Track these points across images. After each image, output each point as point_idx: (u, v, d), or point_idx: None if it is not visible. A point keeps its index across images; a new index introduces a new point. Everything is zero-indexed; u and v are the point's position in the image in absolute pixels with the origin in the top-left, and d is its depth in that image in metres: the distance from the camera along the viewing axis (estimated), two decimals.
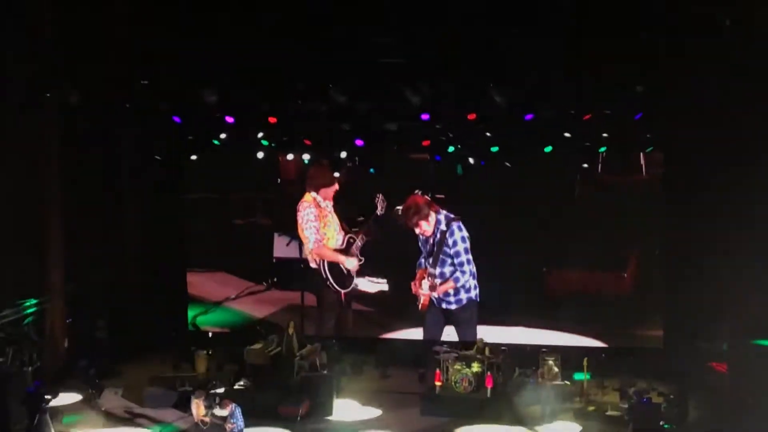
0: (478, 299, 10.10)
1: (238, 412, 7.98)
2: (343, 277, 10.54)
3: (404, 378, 10.26)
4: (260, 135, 11.12)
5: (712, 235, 9.81)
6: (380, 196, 10.48)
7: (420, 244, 10.15)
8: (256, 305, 12.01)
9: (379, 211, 10.47)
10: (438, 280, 9.89)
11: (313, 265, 10.51)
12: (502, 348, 9.54)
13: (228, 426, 7.96)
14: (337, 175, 10.71)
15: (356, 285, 10.73)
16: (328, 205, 10.59)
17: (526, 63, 9.97)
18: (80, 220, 10.79)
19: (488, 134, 10.52)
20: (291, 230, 11.01)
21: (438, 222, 9.91)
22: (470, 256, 9.92)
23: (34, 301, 10.03)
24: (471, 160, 10.70)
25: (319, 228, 10.40)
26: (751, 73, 9.18)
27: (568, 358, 9.64)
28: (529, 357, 9.63)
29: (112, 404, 9.54)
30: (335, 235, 10.57)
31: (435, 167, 10.97)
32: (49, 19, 10.28)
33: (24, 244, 10.27)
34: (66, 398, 9.51)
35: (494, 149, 10.60)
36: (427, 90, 10.14)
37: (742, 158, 9.42)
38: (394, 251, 10.93)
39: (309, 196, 10.53)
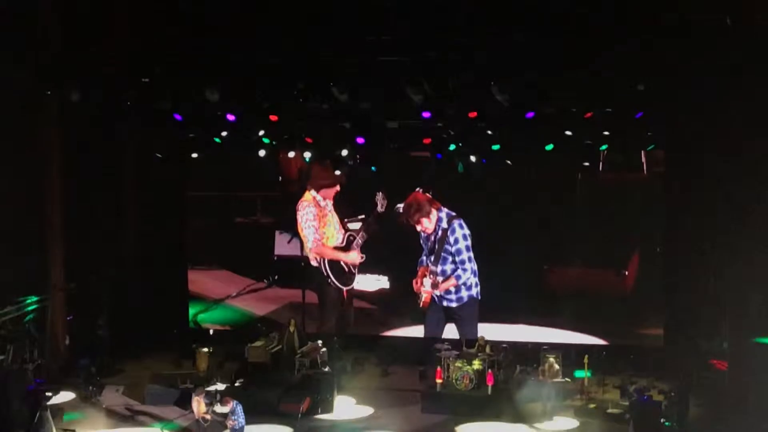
0: (479, 297, 10.12)
1: (240, 409, 7.99)
2: (344, 275, 10.55)
3: (405, 375, 10.27)
4: (261, 133, 11.11)
5: (712, 233, 9.82)
6: (380, 193, 10.48)
7: (421, 241, 10.16)
8: (257, 303, 12.01)
9: (379, 209, 10.47)
10: (440, 278, 9.91)
11: (313, 263, 10.52)
12: (503, 346, 9.56)
13: (229, 423, 7.96)
14: (338, 173, 10.72)
15: (357, 283, 10.74)
16: (328, 204, 10.60)
17: (527, 61, 9.97)
18: (81, 218, 10.80)
19: (489, 132, 10.52)
20: (292, 228, 11.02)
21: (439, 219, 9.92)
22: (471, 254, 9.94)
23: (35, 299, 10.02)
24: (472, 158, 10.69)
25: (318, 227, 10.40)
26: (751, 71, 9.18)
27: (569, 355, 9.66)
28: (530, 354, 9.64)
29: (113, 402, 9.55)
30: (335, 234, 10.57)
31: (436, 165, 10.96)
32: (49, 15, 10.28)
33: (25, 242, 10.27)
34: (67, 396, 9.52)
35: (495, 147, 10.59)
36: (429, 88, 10.13)
37: (742, 157, 9.41)
38: (394, 249, 10.93)
39: (309, 195, 10.53)
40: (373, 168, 11.20)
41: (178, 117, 10.93)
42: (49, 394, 8.46)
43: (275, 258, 11.81)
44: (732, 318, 9.37)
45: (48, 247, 10.41)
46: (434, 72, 9.98)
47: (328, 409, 9.19)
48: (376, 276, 11.38)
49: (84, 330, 10.77)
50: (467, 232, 9.94)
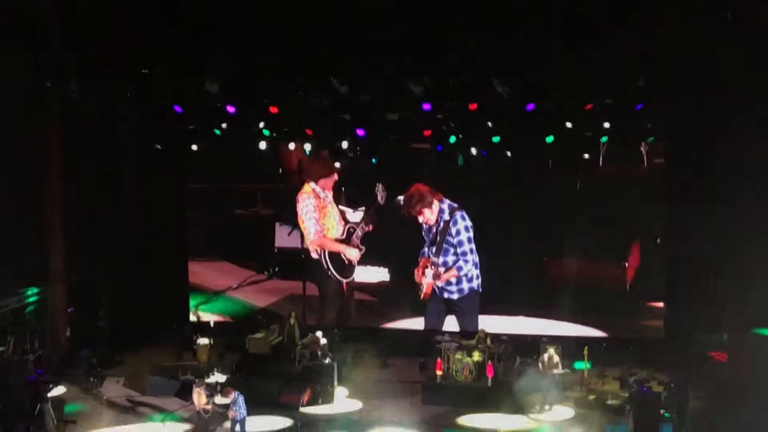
0: (480, 289, 10.13)
1: (241, 399, 7.99)
2: (344, 267, 10.56)
3: (405, 367, 10.28)
4: (261, 125, 11.11)
5: (712, 224, 9.82)
6: (380, 185, 10.49)
7: (423, 233, 10.17)
8: (257, 294, 12.02)
9: (379, 201, 10.48)
10: (441, 269, 9.93)
11: (314, 255, 10.53)
12: (503, 338, 9.56)
13: (230, 413, 7.98)
14: (337, 165, 10.72)
15: (357, 275, 10.75)
16: (328, 196, 10.60)
17: (527, 53, 9.96)
18: (82, 210, 10.80)
19: (489, 124, 10.51)
20: (292, 220, 11.03)
21: (441, 211, 9.94)
22: (473, 246, 9.95)
23: (35, 290, 10.03)
24: (473, 151, 10.69)
25: (318, 219, 10.41)
26: (751, 63, 9.18)
27: (569, 347, 9.67)
28: (530, 346, 9.65)
29: (113, 393, 9.56)
30: (335, 225, 10.58)
31: (436, 157, 10.96)
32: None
33: (26, 233, 10.28)
34: (68, 387, 9.52)
35: (496, 139, 10.59)
36: (429, 80, 10.14)
37: (743, 149, 9.41)
38: (395, 241, 10.93)
39: (308, 187, 10.54)
40: (373, 160, 11.20)
41: (178, 109, 10.94)
42: (49, 385, 8.46)
43: (276, 250, 11.81)
44: (732, 309, 9.38)
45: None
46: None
47: (329, 400, 9.21)
48: (376, 268, 11.38)
49: (85, 321, 10.77)
50: (469, 223, 9.95)
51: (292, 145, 11.34)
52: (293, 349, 9.55)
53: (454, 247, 9.90)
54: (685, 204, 10.35)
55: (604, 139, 10.49)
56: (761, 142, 9.20)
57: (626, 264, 10.96)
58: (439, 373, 9.23)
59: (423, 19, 10.06)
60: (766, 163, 9.20)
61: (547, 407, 8.89)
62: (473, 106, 10.35)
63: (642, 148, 10.67)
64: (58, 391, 8.90)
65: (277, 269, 11.91)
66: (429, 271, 9.93)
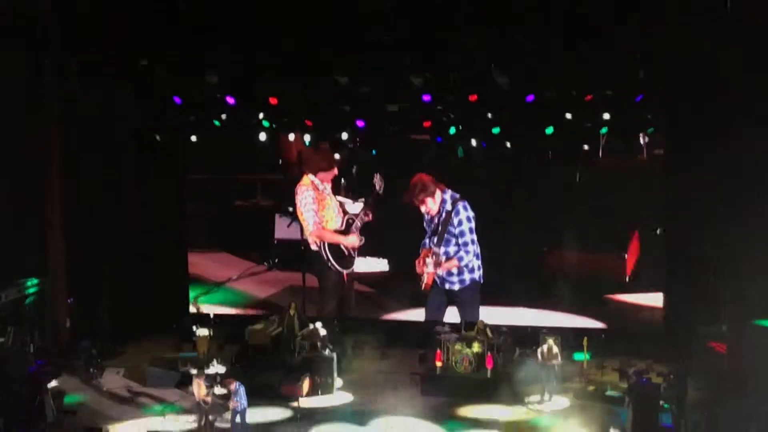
0: (482, 280, 10.14)
1: (242, 390, 8.01)
2: (344, 258, 10.57)
3: (405, 358, 10.28)
4: (261, 116, 11.09)
5: (712, 216, 9.82)
6: (377, 175, 10.49)
7: (425, 223, 10.18)
8: (257, 286, 12.03)
9: (377, 190, 10.48)
10: (442, 258, 9.94)
11: (313, 247, 10.53)
12: (503, 329, 9.57)
13: (231, 404, 7.99)
14: (337, 157, 10.71)
15: (357, 266, 10.75)
16: (327, 188, 10.60)
17: (527, 44, 9.96)
18: (82, 210, 10.81)
19: (489, 115, 10.51)
20: (292, 211, 11.02)
21: (443, 201, 9.95)
22: (475, 236, 9.96)
23: (35, 281, 10.04)
24: (473, 142, 10.68)
25: (317, 211, 10.41)
26: (751, 63, 9.18)
27: (568, 338, 9.68)
28: (529, 337, 9.65)
29: (113, 384, 9.57)
30: (334, 217, 10.58)
31: (436, 149, 10.95)
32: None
33: (26, 224, 10.28)
34: (67, 378, 9.54)
35: (495, 131, 10.59)
36: (429, 71, 10.13)
37: (742, 141, 9.41)
38: (394, 232, 10.94)
39: (307, 179, 10.54)
40: (373, 151, 11.20)
41: (177, 99, 10.93)
42: (49, 376, 8.47)
43: (275, 241, 11.81)
44: (731, 300, 9.39)
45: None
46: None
47: (329, 391, 9.22)
48: (376, 259, 11.38)
49: (85, 312, 10.78)
50: (471, 214, 9.96)
51: (291, 136, 11.33)
52: (293, 340, 9.56)
53: (456, 237, 9.91)
54: (685, 204, 10.35)
55: (604, 130, 10.48)
56: (761, 142, 9.21)
57: (626, 255, 10.97)
58: (438, 364, 9.24)
59: (423, 19, 10.06)
60: (766, 163, 9.22)
61: (546, 398, 8.91)
62: (473, 98, 10.35)
63: (641, 140, 10.66)
64: (58, 382, 8.92)
65: (276, 260, 11.92)
66: (430, 261, 9.94)
